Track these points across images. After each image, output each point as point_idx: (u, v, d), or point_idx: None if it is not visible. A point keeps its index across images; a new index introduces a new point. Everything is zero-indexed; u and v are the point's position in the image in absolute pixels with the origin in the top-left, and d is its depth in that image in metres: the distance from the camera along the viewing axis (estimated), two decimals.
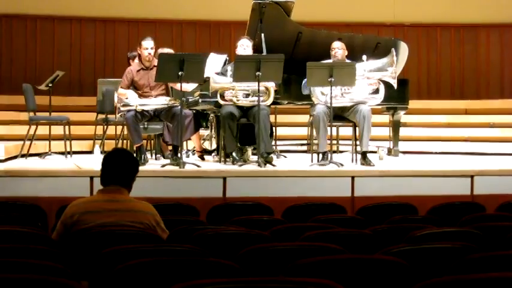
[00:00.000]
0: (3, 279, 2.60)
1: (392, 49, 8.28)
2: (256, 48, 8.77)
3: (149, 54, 8.23)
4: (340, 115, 8.25)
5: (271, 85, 8.06)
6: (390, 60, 8.10)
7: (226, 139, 8.15)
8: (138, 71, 8.29)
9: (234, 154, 8.10)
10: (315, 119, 8.08)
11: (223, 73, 8.56)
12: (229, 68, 8.45)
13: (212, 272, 3.03)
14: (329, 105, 7.85)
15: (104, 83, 10.21)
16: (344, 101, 8.14)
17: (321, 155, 8.06)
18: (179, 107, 7.77)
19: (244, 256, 3.44)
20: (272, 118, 8.64)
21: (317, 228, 4.28)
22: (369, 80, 8.14)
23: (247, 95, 8.09)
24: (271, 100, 8.05)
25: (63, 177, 7.20)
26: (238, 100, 8.06)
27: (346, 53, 8.50)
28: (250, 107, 8.12)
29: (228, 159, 8.23)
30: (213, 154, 9.18)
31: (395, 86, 8.21)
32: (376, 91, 8.24)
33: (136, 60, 8.72)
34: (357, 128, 8.35)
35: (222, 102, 8.08)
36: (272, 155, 8.05)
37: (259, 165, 7.61)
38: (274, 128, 9.58)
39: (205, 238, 3.94)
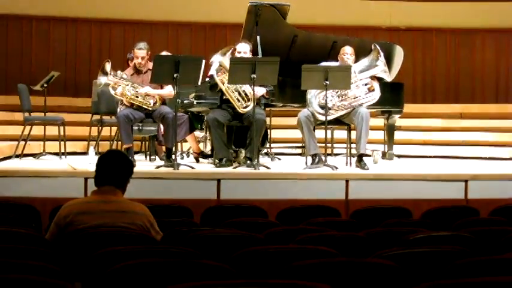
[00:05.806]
0: None
1: (376, 45, 8.27)
2: (252, 51, 8.76)
3: (139, 63, 8.34)
4: (336, 118, 8.21)
5: (262, 92, 8.02)
6: (374, 55, 8.10)
7: (215, 146, 8.13)
8: (131, 75, 8.40)
9: (223, 161, 7.97)
10: (298, 124, 8.08)
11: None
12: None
13: (206, 274, 3.03)
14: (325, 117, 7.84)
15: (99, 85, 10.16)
16: (342, 107, 8.10)
17: (311, 158, 8.05)
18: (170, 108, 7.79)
19: (238, 258, 3.44)
20: (267, 120, 8.60)
21: (311, 231, 4.28)
22: (361, 81, 8.12)
23: (238, 100, 8.03)
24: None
25: (58, 177, 7.19)
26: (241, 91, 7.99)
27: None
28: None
29: (221, 163, 8.17)
30: (209, 158, 9.10)
31: (388, 79, 8.22)
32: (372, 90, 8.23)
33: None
34: (352, 131, 8.35)
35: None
36: (255, 161, 7.84)
37: (253, 168, 7.61)
38: (269, 130, 9.56)
39: (199, 240, 3.94)
